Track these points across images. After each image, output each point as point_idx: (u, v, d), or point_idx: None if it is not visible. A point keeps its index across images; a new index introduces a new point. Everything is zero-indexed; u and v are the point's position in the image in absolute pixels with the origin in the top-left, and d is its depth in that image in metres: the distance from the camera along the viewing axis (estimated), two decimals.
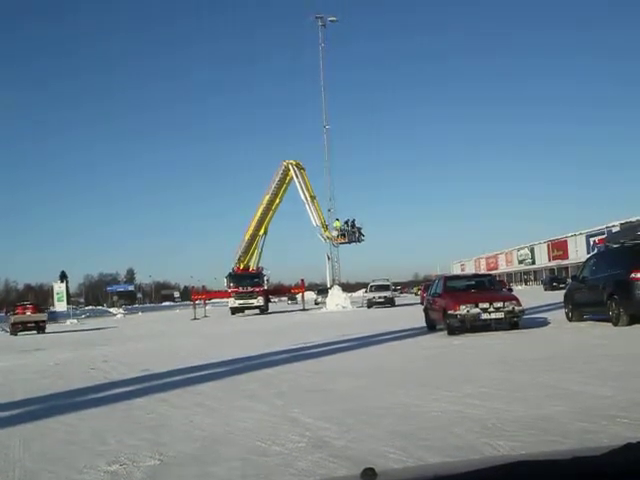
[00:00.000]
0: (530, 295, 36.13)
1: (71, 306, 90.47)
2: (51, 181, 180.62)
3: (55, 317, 71.69)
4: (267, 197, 50.02)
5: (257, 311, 46.19)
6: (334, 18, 51.13)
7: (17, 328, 36.46)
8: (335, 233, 47.78)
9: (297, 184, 47.70)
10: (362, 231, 48.51)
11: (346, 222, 48.13)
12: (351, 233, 47.78)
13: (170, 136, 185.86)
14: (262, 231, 51.51)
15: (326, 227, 47.86)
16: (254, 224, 51.07)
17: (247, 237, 51.67)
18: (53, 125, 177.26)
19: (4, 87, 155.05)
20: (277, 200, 50.31)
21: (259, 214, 50.58)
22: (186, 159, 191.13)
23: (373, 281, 45.32)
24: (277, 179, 49.28)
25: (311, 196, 47.59)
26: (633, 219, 52.12)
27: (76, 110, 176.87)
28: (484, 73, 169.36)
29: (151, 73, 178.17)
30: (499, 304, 15.01)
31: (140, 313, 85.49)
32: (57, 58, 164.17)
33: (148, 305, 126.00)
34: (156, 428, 6.48)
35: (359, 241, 48.58)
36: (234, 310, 46.31)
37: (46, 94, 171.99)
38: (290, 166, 48.07)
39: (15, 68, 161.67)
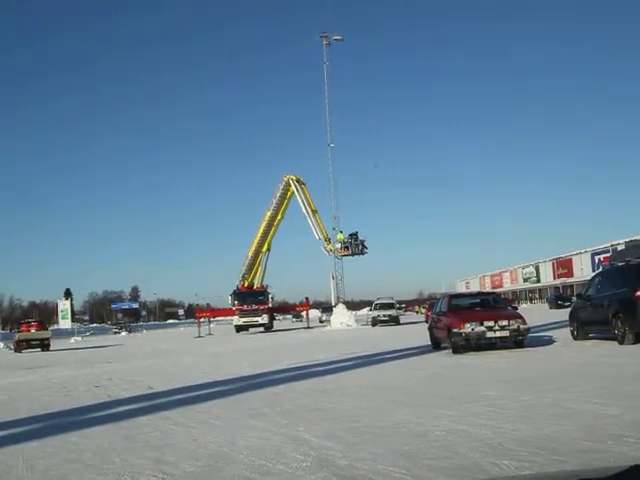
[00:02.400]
0: (535, 313, 35.98)
1: (76, 324, 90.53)
2: (56, 199, 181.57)
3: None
4: (269, 213, 50.17)
5: (262, 329, 46.14)
6: (339, 37, 51.51)
7: (21, 346, 36.41)
8: (338, 245, 47.87)
9: (298, 198, 47.93)
10: (365, 244, 48.65)
11: (349, 235, 48.28)
12: (354, 245, 47.87)
13: (173, 153, 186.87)
14: (265, 247, 51.59)
15: (329, 240, 48.01)
16: (257, 241, 51.16)
17: (250, 254, 51.73)
18: (55, 143, 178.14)
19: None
20: (279, 216, 50.47)
21: (262, 230, 50.71)
22: (190, 177, 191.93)
23: (378, 299, 45.29)
24: (278, 194, 49.50)
25: (312, 210, 47.79)
26: (638, 237, 51.98)
27: (78, 128, 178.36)
28: (486, 91, 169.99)
29: (155, 88, 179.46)
30: (504, 322, 14.95)
31: (144, 331, 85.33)
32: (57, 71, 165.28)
33: (152, 323, 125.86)
34: (160, 447, 6.46)
35: (362, 253, 48.68)
36: (239, 328, 46.27)
37: (49, 110, 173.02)
38: (291, 181, 48.34)
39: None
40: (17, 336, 37.69)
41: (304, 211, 47.72)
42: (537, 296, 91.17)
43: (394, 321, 40.96)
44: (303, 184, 48.80)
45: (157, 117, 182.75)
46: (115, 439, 7.07)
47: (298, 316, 69.52)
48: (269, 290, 49.50)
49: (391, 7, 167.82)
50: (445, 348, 16.32)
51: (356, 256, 48.86)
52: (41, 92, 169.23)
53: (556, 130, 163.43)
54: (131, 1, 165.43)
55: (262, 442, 6.33)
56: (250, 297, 47.12)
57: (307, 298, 52.45)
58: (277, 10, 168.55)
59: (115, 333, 76.40)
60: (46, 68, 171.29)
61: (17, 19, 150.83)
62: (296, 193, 48.10)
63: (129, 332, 77.64)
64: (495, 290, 77.06)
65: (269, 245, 51.91)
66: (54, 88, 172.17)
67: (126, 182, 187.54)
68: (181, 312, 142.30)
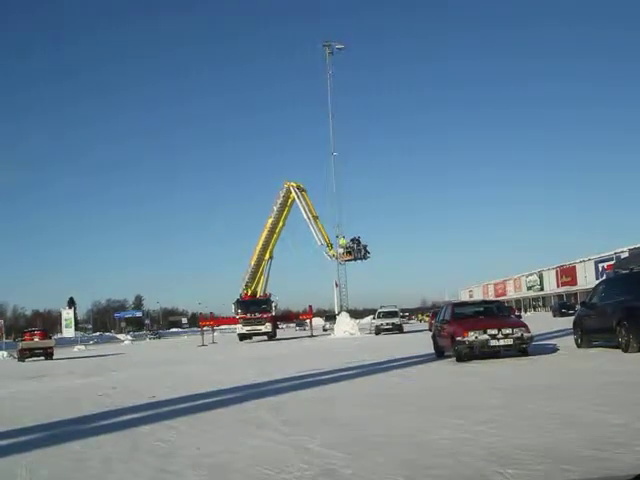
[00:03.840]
0: (539, 321, 35.92)
1: (79, 332, 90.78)
2: (58, 206, 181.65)
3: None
4: (270, 220, 50.32)
5: (265, 337, 46.11)
6: (341, 46, 51.72)
7: (25, 354, 36.46)
8: (341, 250, 47.98)
9: (299, 205, 48.15)
10: (367, 249, 48.75)
11: (352, 240, 48.42)
12: (357, 250, 47.97)
13: (175, 161, 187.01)
14: (267, 255, 51.68)
15: (331, 246, 48.18)
16: (259, 249, 51.25)
17: (253, 262, 51.80)
18: (56, 149, 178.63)
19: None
20: (280, 223, 50.64)
21: (263, 238, 50.86)
22: (192, 185, 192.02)
23: (381, 307, 45.24)
24: (279, 202, 49.74)
25: (314, 216, 48.00)
26: None
27: (77, 134, 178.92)
28: (487, 97, 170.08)
29: (157, 95, 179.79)
30: (508, 330, 14.91)
31: (148, 339, 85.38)
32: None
33: (156, 331, 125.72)
34: (163, 455, 6.45)
35: (365, 258, 48.80)
36: (242, 336, 46.27)
37: (49, 115, 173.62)
38: (291, 188, 48.61)
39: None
40: (20, 345, 37.74)
41: (305, 217, 47.93)
42: (541, 304, 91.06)
43: (397, 329, 40.89)
44: (304, 191, 49.02)
45: (159, 123, 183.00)
46: (119, 448, 7.06)
47: (301, 324, 69.51)
48: (272, 298, 49.54)
49: (392, 15, 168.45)
50: (449, 356, 16.28)
51: (359, 261, 49.03)
52: (42, 96, 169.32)
53: (559, 136, 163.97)
54: (133, 8, 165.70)
55: (265, 451, 6.31)
56: (253, 306, 47.14)
57: (310, 306, 52.36)
58: (279, 18, 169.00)
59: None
60: (45, 72, 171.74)
61: (18, 21, 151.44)
62: (297, 199, 48.31)
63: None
64: (499, 298, 77.11)
65: (271, 253, 51.98)
66: (56, 91, 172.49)
67: (129, 190, 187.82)
68: (184, 321, 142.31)
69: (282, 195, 49.42)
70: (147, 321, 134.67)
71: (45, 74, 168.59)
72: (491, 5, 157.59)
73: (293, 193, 48.51)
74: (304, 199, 48.36)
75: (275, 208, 50.04)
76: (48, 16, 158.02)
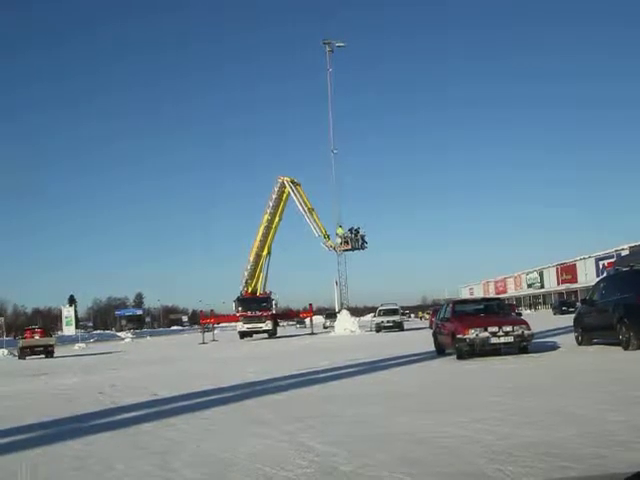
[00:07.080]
0: (539, 319, 35.93)
1: (80, 330, 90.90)
2: (59, 205, 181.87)
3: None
4: (266, 216, 50.38)
5: (265, 335, 46.13)
6: (342, 43, 51.70)
7: (25, 352, 36.46)
8: (338, 240, 48.12)
9: (294, 198, 48.32)
10: (365, 238, 48.89)
11: (349, 230, 48.56)
12: (354, 240, 48.09)
13: (176, 159, 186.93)
14: (265, 252, 51.66)
15: (328, 237, 48.42)
16: (257, 245, 51.22)
17: (251, 258, 51.74)
18: (57, 149, 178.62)
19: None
20: (277, 218, 50.69)
21: (260, 234, 50.84)
22: (193, 183, 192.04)
23: (381, 305, 45.22)
24: (274, 197, 49.88)
25: (309, 208, 48.11)
26: None
27: (77, 134, 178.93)
28: (487, 96, 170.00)
29: (156, 95, 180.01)
30: (508, 328, 14.92)
31: (148, 337, 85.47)
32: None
33: (156, 329, 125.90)
34: (164, 453, 6.44)
35: (362, 248, 48.94)
36: (243, 334, 46.31)
37: (49, 115, 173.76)
38: (285, 182, 48.79)
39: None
40: (21, 343, 37.71)
41: (301, 210, 48.10)
42: (541, 302, 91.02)
43: (398, 327, 40.88)
44: (298, 184, 49.25)
45: (158, 123, 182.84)
46: (119, 446, 7.06)
47: (302, 322, 69.49)
48: (273, 296, 49.53)
49: (393, 13, 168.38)
50: (449, 354, 16.29)
51: (357, 251, 49.23)
52: (44, 96, 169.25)
53: (558, 134, 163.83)
54: (132, 7, 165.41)
55: (265, 449, 6.31)
56: (254, 303, 47.17)
57: (310, 304, 52.35)
58: (280, 16, 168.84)
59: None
60: (46, 72, 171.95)
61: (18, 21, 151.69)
62: (292, 193, 48.47)
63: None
64: (499, 296, 77.15)
65: (269, 249, 51.94)
66: (57, 92, 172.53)
67: (129, 189, 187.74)
68: (185, 318, 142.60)
69: (277, 190, 49.59)
70: (148, 319, 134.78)
71: (44, 73, 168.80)
72: (492, 3, 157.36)
73: (287, 187, 48.69)
74: (299, 193, 48.55)
75: (271, 203, 50.18)
76: (47, 15, 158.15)
